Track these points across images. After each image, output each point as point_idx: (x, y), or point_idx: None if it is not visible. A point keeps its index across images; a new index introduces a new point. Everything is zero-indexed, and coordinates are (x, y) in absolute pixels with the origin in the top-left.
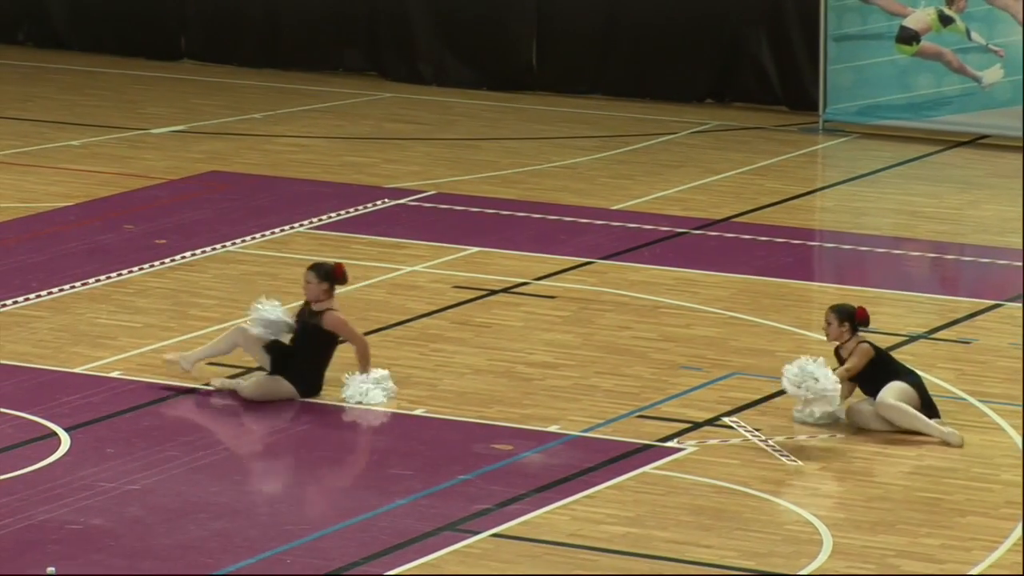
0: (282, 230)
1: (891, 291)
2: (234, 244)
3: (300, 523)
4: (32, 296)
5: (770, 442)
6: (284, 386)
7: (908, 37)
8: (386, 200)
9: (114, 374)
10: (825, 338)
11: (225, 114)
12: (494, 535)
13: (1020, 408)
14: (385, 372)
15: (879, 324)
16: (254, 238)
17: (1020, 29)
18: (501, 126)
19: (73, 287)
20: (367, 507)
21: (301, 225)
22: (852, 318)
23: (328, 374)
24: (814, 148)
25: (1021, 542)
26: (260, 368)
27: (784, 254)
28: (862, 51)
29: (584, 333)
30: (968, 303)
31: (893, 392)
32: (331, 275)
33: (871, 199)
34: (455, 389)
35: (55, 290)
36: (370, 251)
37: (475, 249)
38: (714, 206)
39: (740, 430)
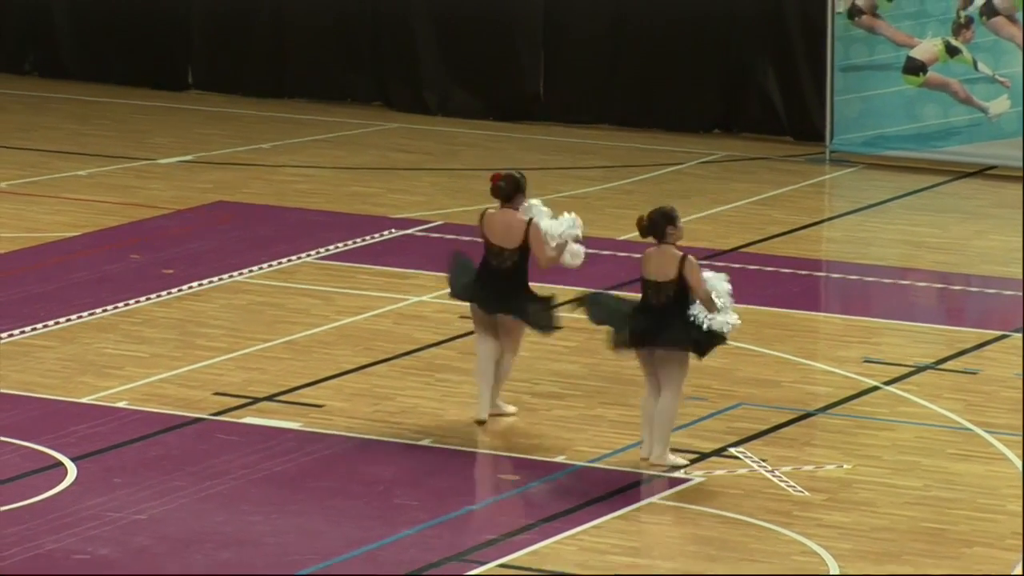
0: (288, 260)
1: (897, 321)
2: (241, 274)
3: (306, 553)
4: (39, 326)
5: (776, 472)
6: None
7: (915, 67)
8: (392, 230)
9: (121, 404)
10: (670, 243)
11: (231, 144)
12: (501, 565)
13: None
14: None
15: (885, 355)
16: (260, 268)
17: None
18: (507, 156)
19: (80, 317)
20: (373, 537)
21: (307, 255)
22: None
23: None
24: (821, 178)
25: None
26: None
27: (790, 284)
28: (869, 82)
29: (590, 363)
30: (974, 333)
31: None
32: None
33: (877, 229)
34: (461, 419)
35: (62, 320)
36: (376, 281)
37: None
38: (721, 236)
39: (746, 460)
